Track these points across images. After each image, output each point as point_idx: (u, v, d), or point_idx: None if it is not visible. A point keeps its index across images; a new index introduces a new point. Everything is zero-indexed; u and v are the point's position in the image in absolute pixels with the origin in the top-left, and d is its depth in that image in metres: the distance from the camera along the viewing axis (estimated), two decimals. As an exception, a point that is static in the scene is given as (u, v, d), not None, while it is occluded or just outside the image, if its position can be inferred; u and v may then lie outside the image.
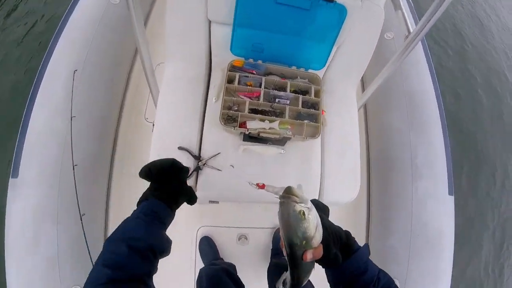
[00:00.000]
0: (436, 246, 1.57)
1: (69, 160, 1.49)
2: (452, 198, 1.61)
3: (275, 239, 1.80)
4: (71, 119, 1.48)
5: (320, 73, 1.38)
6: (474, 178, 2.68)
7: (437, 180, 1.65)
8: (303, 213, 0.49)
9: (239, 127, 1.16)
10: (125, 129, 1.98)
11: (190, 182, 1.27)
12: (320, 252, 0.52)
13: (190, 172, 0.85)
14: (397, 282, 1.57)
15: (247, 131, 1.15)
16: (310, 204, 0.52)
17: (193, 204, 0.77)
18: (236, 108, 1.21)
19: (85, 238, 1.37)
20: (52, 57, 1.64)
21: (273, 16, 1.13)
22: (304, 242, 0.50)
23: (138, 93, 2.10)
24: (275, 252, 1.75)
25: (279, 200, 0.53)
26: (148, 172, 0.68)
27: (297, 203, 0.50)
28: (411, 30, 1.16)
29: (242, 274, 1.22)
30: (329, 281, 0.60)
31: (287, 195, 0.52)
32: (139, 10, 1.03)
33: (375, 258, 1.78)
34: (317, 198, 1.39)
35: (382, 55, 1.83)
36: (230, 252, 1.77)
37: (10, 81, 2.39)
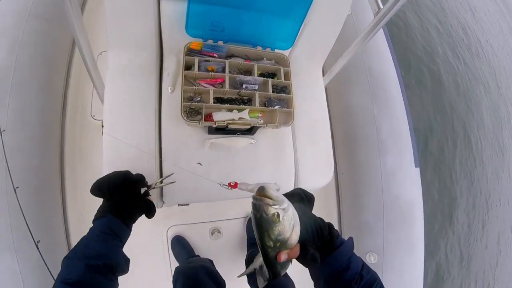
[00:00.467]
0: (408, 216, 1.65)
1: (8, 183, 1.24)
2: (418, 170, 1.69)
3: (249, 228, 1.78)
4: (1, 134, 1.20)
5: (287, 53, 1.27)
6: (438, 149, 2.91)
7: (402, 153, 1.71)
8: (277, 216, 0.48)
9: (204, 120, 1.02)
10: (72, 133, 1.73)
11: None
12: (296, 252, 0.51)
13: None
14: (374, 256, 1.64)
15: (214, 124, 1.02)
16: (286, 204, 0.50)
17: (152, 217, 0.77)
18: (199, 98, 1.06)
19: (46, 266, 1.21)
20: None
21: (232, -11, 0.98)
22: (279, 244, 0.49)
23: (80, 90, 1.85)
24: (251, 241, 1.71)
25: (251, 202, 0.51)
26: (99, 188, 0.68)
27: (270, 205, 0.48)
28: (381, 7, 1.11)
29: (221, 268, 1.20)
30: (310, 275, 0.59)
31: (260, 197, 0.50)
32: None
33: (351, 234, 1.82)
34: (292, 187, 1.33)
35: (343, 32, 1.81)
36: (205, 248, 1.72)
37: None
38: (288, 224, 0.49)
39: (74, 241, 1.50)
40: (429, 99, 3.16)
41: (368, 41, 1.20)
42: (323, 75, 1.51)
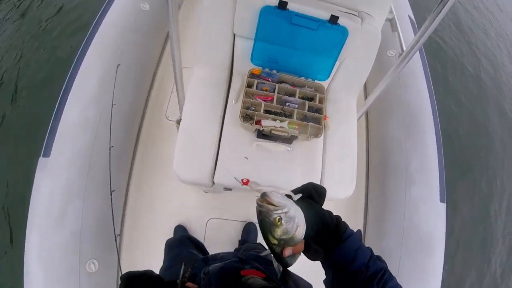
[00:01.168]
0: (426, 247, 1.75)
1: (101, 144, 1.74)
2: (444, 205, 1.80)
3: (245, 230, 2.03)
4: (112, 106, 1.75)
5: (325, 83, 1.63)
6: (466, 188, 2.87)
7: (429, 187, 1.84)
8: (279, 219, 0.52)
9: (255, 124, 1.41)
10: (148, 124, 2.26)
11: (208, 167, 1.51)
12: (301, 247, 0.55)
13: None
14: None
15: (262, 127, 1.40)
16: (287, 208, 0.53)
17: None
18: (253, 108, 1.47)
19: (112, 212, 1.59)
20: (86, 56, 1.89)
21: (287, 34, 1.40)
22: (283, 242, 0.53)
23: (160, 95, 2.39)
24: (242, 243, 1.94)
25: (256, 207, 0.55)
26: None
27: (271, 211, 0.52)
28: (404, 49, 1.41)
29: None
30: (322, 266, 0.62)
31: (262, 203, 0.54)
32: (176, 19, 1.26)
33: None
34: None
35: (384, 71, 2.09)
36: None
37: (44, 72, 2.73)
38: (291, 226, 0.53)
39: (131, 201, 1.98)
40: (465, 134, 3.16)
41: (395, 75, 1.46)
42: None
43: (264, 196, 0.54)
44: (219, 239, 2.04)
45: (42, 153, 1.66)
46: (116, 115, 1.86)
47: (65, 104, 1.76)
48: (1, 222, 2.16)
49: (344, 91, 1.71)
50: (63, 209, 1.59)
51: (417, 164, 1.92)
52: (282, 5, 1.29)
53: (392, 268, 1.73)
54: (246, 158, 1.54)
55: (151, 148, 2.21)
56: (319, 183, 1.60)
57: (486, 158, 3.13)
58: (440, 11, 1.13)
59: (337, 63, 1.54)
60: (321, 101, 1.53)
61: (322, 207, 0.62)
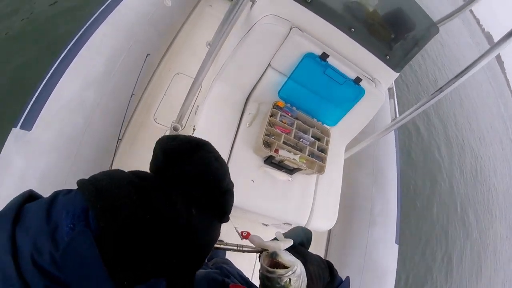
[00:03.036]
0: (382, 280, 2.10)
1: (94, 132, 1.63)
2: (397, 246, 2.20)
3: None
4: (131, 96, 1.70)
5: (330, 128, 1.90)
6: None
7: (387, 229, 2.24)
8: (289, 281, 0.53)
9: (274, 152, 1.57)
10: (134, 122, 2.17)
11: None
12: None
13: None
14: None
15: (278, 156, 1.57)
16: (296, 265, 0.55)
17: None
18: (273, 137, 1.63)
19: None
20: (95, 32, 1.77)
21: (316, 81, 1.64)
22: None
23: (153, 93, 2.34)
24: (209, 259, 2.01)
25: (264, 272, 0.56)
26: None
27: (282, 275, 0.53)
28: (398, 116, 1.77)
29: None
30: None
31: (272, 270, 0.55)
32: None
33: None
34: (305, 222, 1.82)
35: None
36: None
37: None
38: (298, 284, 0.54)
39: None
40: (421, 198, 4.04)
41: (381, 137, 1.84)
42: (345, 151, 2.12)
43: (274, 257, 0.56)
44: None
45: (20, 123, 1.44)
46: (115, 105, 1.79)
47: (60, 78, 1.59)
48: None
49: (339, 138, 2.00)
50: None
51: (380, 208, 2.32)
52: (324, 57, 1.53)
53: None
54: (253, 181, 1.67)
55: (131, 149, 2.13)
56: (308, 214, 1.83)
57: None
58: (436, 96, 1.50)
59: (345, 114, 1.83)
60: (327, 143, 1.78)
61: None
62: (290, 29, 1.49)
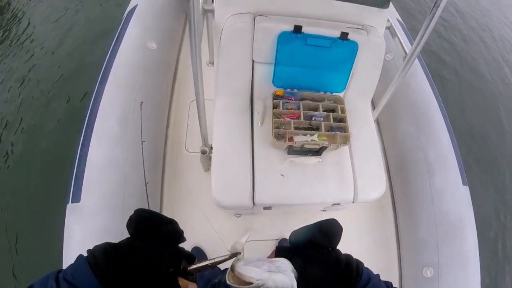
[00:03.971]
0: (459, 232, 1.91)
1: (132, 183, 1.82)
2: (466, 187, 1.99)
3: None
4: (142, 143, 1.86)
5: (342, 94, 1.82)
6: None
7: (450, 174, 2.03)
8: None
9: (288, 141, 1.56)
10: (170, 158, 2.38)
11: (247, 189, 1.63)
12: None
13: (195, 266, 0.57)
14: (430, 270, 1.89)
15: (295, 143, 1.55)
16: (261, 282, 0.48)
17: None
18: (284, 127, 1.62)
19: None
20: (103, 96, 1.97)
21: (304, 55, 1.59)
22: None
23: (176, 127, 2.52)
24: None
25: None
26: (130, 221, 0.58)
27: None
28: (407, 52, 1.62)
29: None
30: None
31: (231, 284, 0.51)
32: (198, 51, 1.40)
33: (408, 251, 2.08)
34: (352, 197, 1.75)
35: (386, 74, 2.31)
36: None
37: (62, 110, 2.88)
38: None
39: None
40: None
41: (402, 79, 1.69)
42: (373, 109, 2.00)
43: (233, 270, 0.50)
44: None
45: (70, 199, 1.69)
46: (139, 154, 1.96)
47: (88, 146, 1.81)
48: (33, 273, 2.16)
49: (358, 98, 1.90)
50: None
51: (434, 155, 2.12)
52: (297, 29, 1.49)
53: (432, 258, 1.89)
54: (282, 175, 1.68)
55: (175, 181, 2.32)
56: (353, 188, 1.76)
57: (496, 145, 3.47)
58: (435, 13, 1.34)
59: (350, 74, 1.73)
60: (342, 111, 1.71)
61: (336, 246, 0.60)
62: (254, 19, 1.48)
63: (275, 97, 1.68)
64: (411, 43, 1.69)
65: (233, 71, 1.73)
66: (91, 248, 0.53)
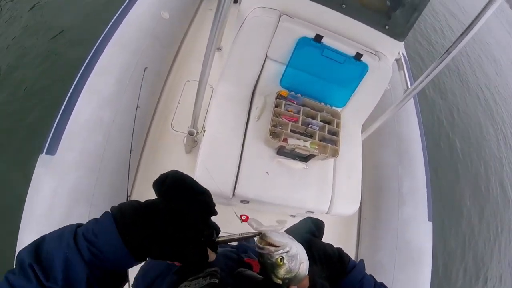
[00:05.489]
0: (417, 262, 2.05)
1: (114, 147, 1.77)
2: (431, 223, 2.14)
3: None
4: (137, 109, 1.82)
5: (340, 110, 1.90)
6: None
7: (418, 207, 2.18)
8: (281, 259, 0.54)
9: (282, 141, 1.61)
10: (154, 132, 2.33)
11: (230, 179, 1.64)
12: (306, 284, 0.57)
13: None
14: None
15: (288, 145, 1.60)
16: (288, 247, 0.55)
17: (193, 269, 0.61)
18: (280, 127, 1.67)
19: None
20: (102, 54, 1.92)
21: (316, 64, 1.65)
22: (287, 280, 0.55)
23: (168, 102, 2.48)
24: None
25: (256, 249, 0.58)
26: (162, 180, 0.53)
27: (272, 252, 0.54)
28: (409, 86, 1.73)
29: None
30: None
31: (262, 246, 0.56)
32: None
33: (366, 271, 2.21)
34: (327, 209, 1.84)
35: (380, 102, 2.44)
36: None
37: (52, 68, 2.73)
38: (294, 264, 0.54)
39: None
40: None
41: (397, 111, 1.80)
42: (362, 131, 2.10)
43: (263, 238, 0.57)
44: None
45: (45, 150, 1.62)
46: (128, 119, 1.92)
47: (76, 101, 1.74)
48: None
49: (353, 118, 1.99)
50: (66, 213, 1.53)
51: (408, 186, 2.26)
52: (318, 38, 1.55)
53: (387, 281, 2.01)
54: (267, 173, 1.72)
55: (154, 157, 2.27)
56: (329, 201, 1.84)
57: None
58: (445, 59, 1.45)
59: (353, 93, 1.82)
60: (338, 125, 1.79)
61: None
62: (279, 17, 1.52)
63: (279, 96, 1.72)
64: (411, 79, 1.81)
65: (244, 61, 1.75)
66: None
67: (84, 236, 0.44)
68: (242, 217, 0.64)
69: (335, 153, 1.74)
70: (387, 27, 1.63)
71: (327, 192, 1.84)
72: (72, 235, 0.44)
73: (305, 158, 1.77)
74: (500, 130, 5.15)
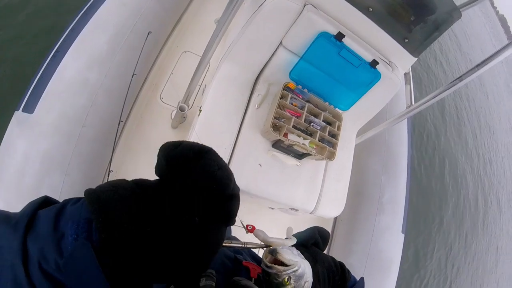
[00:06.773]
0: (386, 270, 2.14)
1: (97, 113, 1.62)
2: (403, 235, 2.22)
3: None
4: (132, 76, 1.69)
5: (342, 112, 1.88)
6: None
7: (395, 218, 2.25)
8: (288, 279, 0.53)
9: (283, 136, 1.56)
10: (141, 101, 2.18)
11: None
12: None
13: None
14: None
15: (287, 140, 1.56)
16: (297, 266, 0.54)
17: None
18: (283, 121, 1.61)
19: None
20: (98, 10, 1.74)
21: (331, 62, 1.59)
22: None
23: (159, 73, 2.32)
24: None
25: (263, 267, 0.57)
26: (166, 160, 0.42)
27: (280, 272, 0.53)
28: (413, 103, 1.74)
29: None
30: None
31: (271, 265, 0.55)
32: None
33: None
34: (312, 209, 1.84)
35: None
36: None
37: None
38: (299, 284, 0.54)
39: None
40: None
41: (394, 124, 1.81)
42: (356, 136, 2.10)
43: (274, 254, 0.55)
44: None
45: (22, 106, 1.45)
46: (119, 86, 1.77)
47: (63, 57, 1.57)
48: None
49: (352, 122, 1.98)
50: (38, 180, 1.41)
51: (389, 197, 2.32)
52: (339, 37, 1.48)
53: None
54: (260, 165, 1.67)
55: (138, 128, 2.13)
56: (316, 200, 1.84)
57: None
58: (456, 84, 1.46)
59: (359, 99, 1.80)
60: (338, 128, 1.76)
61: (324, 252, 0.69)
62: (304, 6, 1.43)
63: (286, 88, 1.65)
64: (414, 96, 1.82)
65: (255, 43, 1.64)
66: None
67: (41, 267, 0.35)
68: (248, 227, 0.59)
69: (331, 156, 1.73)
70: (406, 40, 1.60)
71: (315, 192, 1.83)
72: (20, 255, 0.35)
73: (300, 156, 1.74)
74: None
